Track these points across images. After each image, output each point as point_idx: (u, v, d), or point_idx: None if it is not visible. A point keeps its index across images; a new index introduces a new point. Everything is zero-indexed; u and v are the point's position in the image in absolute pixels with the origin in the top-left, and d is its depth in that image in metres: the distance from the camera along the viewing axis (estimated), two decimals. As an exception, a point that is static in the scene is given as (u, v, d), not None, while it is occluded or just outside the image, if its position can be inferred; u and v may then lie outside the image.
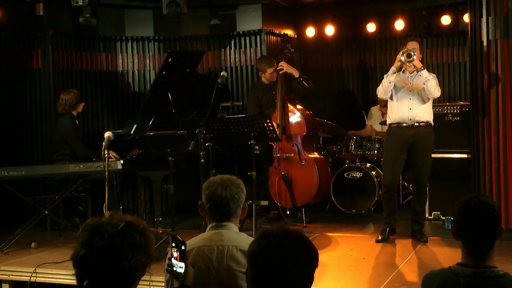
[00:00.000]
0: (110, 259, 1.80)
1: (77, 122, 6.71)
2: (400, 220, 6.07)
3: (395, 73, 5.59)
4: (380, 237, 5.74)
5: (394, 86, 5.67)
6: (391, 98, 5.74)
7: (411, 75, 5.68)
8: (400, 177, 6.31)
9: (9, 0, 6.98)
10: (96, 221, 1.87)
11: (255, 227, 5.53)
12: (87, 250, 1.81)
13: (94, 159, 6.20)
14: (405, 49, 5.49)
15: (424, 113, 5.63)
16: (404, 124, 5.64)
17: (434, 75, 5.75)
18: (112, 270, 1.81)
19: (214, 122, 5.52)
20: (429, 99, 5.65)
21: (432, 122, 5.70)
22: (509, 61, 5.66)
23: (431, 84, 5.50)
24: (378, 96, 5.92)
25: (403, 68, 5.67)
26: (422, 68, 5.56)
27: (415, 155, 5.67)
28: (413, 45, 5.59)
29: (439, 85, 5.68)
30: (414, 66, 5.57)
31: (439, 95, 5.59)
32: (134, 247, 1.83)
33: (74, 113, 6.66)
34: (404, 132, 5.64)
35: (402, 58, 5.46)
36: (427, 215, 6.50)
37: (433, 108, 6.08)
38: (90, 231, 1.83)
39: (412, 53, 5.43)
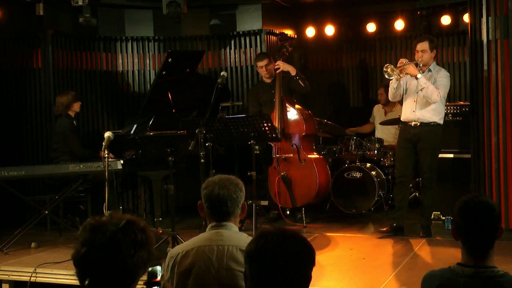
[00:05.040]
0: (113, 256, 1.80)
1: (74, 122, 6.70)
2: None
3: (397, 81, 5.75)
4: (384, 229, 5.87)
5: (405, 86, 5.87)
6: (403, 97, 5.99)
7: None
8: (413, 174, 6.33)
9: (9, 0, 6.98)
10: (96, 220, 1.87)
11: (255, 227, 5.53)
12: (89, 248, 1.80)
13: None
14: (389, 69, 5.61)
15: (428, 114, 5.76)
16: (409, 123, 5.85)
17: (444, 74, 5.80)
18: (114, 267, 1.81)
19: (214, 122, 5.52)
20: None
21: (439, 122, 5.80)
22: (509, 61, 5.67)
23: (428, 91, 5.63)
24: (389, 98, 6.17)
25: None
26: (417, 76, 5.64)
27: (418, 152, 5.86)
28: (422, 46, 5.76)
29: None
30: (410, 75, 5.70)
31: (437, 100, 5.66)
32: (136, 244, 1.83)
33: (71, 113, 6.63)
34: (409, 131, 5.86)
35: (387, 76, 5.67)
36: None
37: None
38: (91, 230, 1.83)
39: (397, 70, 5.62)
